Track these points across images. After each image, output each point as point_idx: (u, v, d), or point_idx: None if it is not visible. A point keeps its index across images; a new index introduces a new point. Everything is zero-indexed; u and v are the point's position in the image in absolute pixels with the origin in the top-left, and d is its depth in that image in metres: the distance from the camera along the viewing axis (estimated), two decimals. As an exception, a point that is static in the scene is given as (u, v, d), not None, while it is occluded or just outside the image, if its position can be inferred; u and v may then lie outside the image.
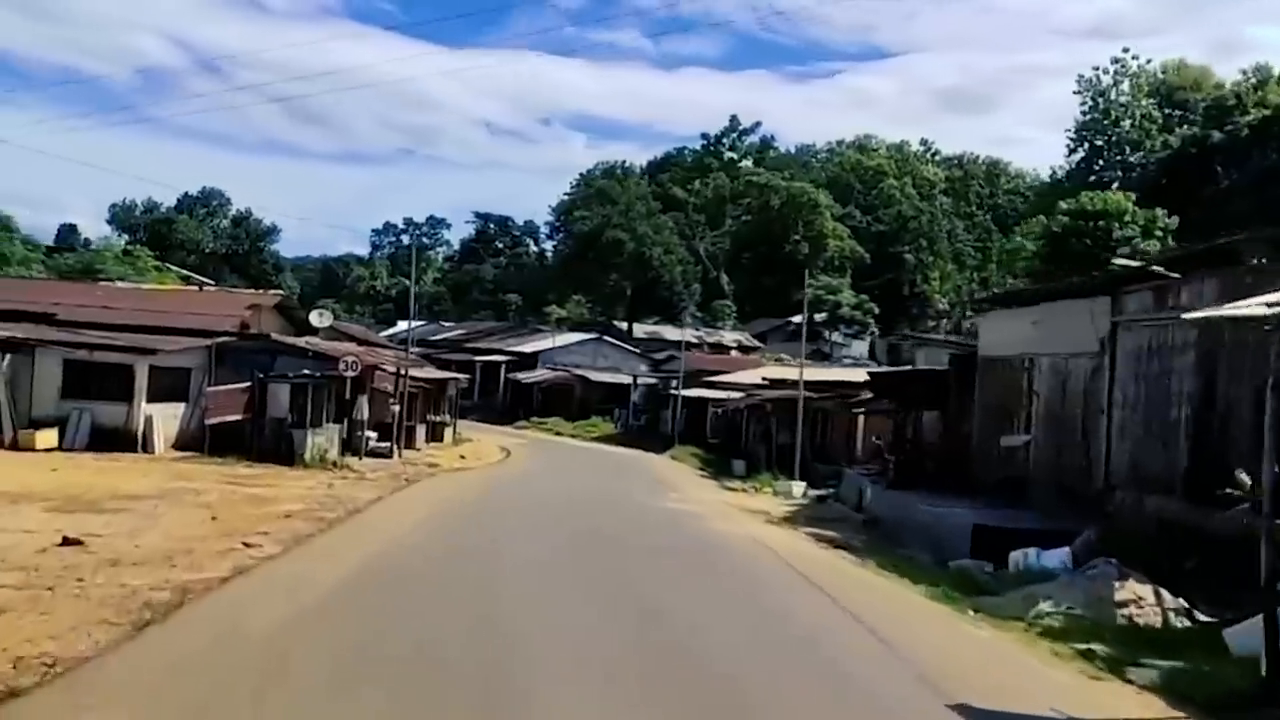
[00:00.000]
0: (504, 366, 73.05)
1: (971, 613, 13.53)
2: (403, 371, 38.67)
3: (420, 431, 43.08)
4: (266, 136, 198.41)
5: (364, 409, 34.55)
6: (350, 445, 33.53)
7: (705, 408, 55.66)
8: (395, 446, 36.56)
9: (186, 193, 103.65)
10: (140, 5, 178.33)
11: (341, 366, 32.10)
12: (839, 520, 25.77)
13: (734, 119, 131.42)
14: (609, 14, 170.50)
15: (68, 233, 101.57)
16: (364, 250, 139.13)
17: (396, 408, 37.22)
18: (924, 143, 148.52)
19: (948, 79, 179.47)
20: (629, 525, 21.48)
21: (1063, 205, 57.20)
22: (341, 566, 13.56)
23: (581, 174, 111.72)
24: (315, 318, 39.50)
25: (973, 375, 24.74)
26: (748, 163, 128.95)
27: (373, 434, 35.37)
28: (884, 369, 37.32)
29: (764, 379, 51.47)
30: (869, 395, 32.39)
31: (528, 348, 76.12)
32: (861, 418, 38.70)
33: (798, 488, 34.03)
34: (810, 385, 38.46)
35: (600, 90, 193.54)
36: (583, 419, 65.89)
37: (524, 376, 70.72)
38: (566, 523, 21.20)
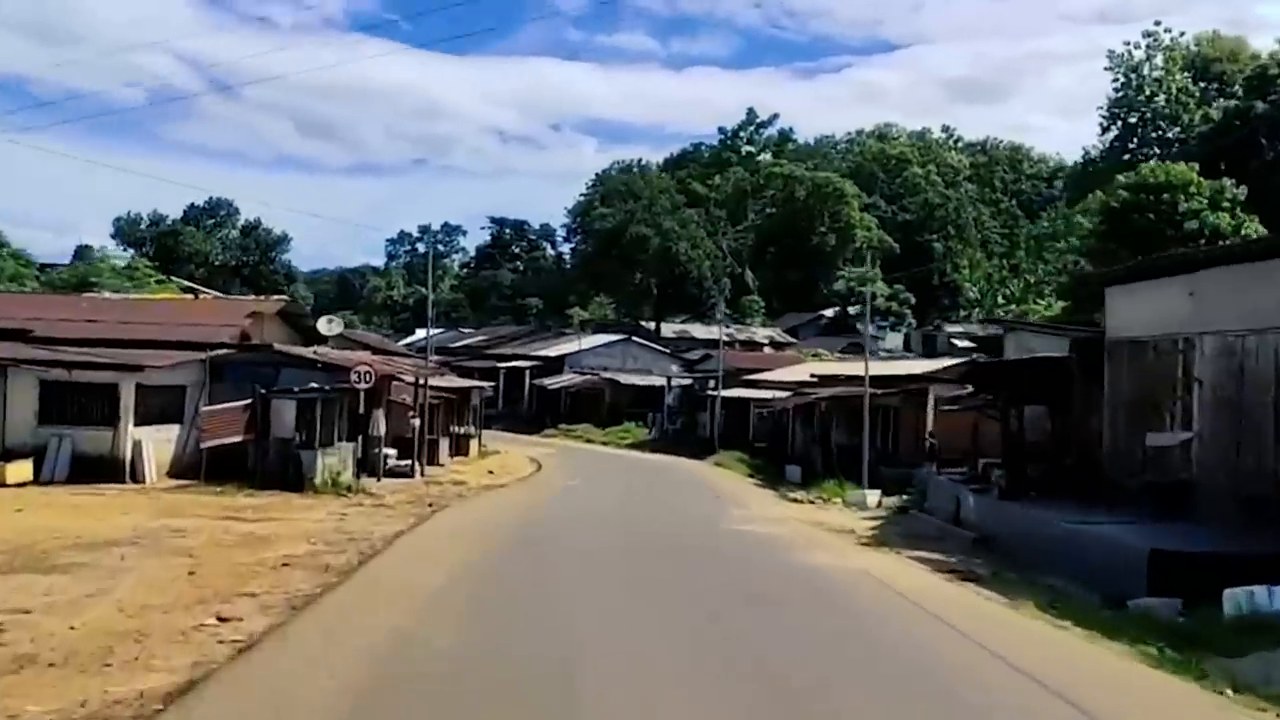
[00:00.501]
0: (528, 372, 69.34)
1: (1229, 692, 9.64)
2: (422, 381, 34.98)
3: (444, 445, 39.43)
4: (278, 151, 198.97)
5: (380, 424, 30.89)
6: (366, 465, 29.87)
7: (747, 409, 51.78)
8: (417, 464, 32.90)
9: (193, 204, 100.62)
10: (149, 25, 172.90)
11: (354, 378, 28.44)
12: (938, 538, 21.91)
13: (751, 112, 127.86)
14: (615, 17, 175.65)
15: (83, 252, 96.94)
16: (380, 261, 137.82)
17: (416, 421, 33.53)
18: (945, 129, 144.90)
19: (957, 69, 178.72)
20: (714, 566, 17.51)
21: (1121, 179, 53.26)
22: (344, 662, 9.67)
23: (598, 174, 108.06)
24: (324, 325, 35.81)
25: (1100, 362, 20.76)
26: (766, 156, 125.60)
27: (391, 451, 31.72)
28: (987, 359, 33.24)
29: (812, 375, 47.55)
30: (968, 390, 28.41)
31: (553, 351, 72.35)
32: (930, 414, 34.80)
33: (871, 497, 30.17)
34: (871, 380, 34.54)
35: (609, 93, 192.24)
36: (614, 424, 62.14)
37: (550, 382, 67.00)
38: (637, 563, 17.35)
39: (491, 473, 38.36)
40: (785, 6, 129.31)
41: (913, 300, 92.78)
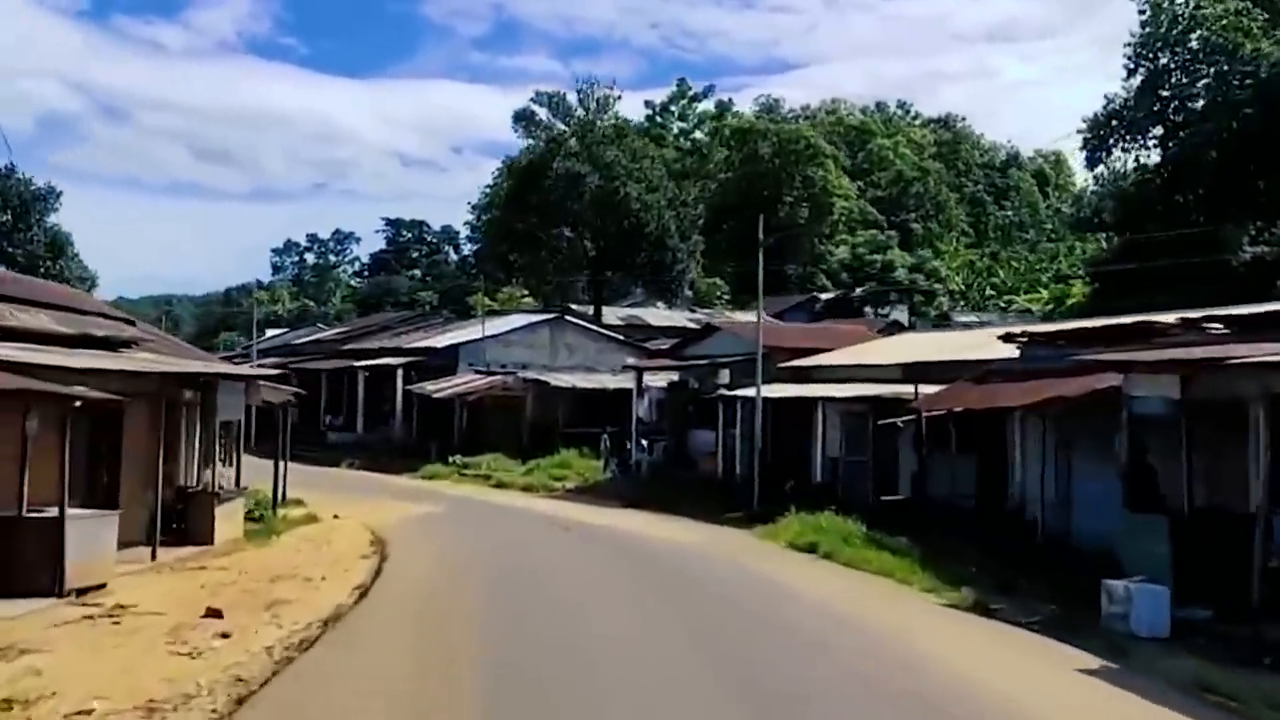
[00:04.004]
0: (402, 373, 43.79)
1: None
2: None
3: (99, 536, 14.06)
4: (173, 177, 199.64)
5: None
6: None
7: (804, 420, 27.13)
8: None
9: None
10: (34, 49, 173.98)
11: None
12: None
13: (682, 81, 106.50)
14: (516, 39, 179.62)
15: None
16: (266, 275, 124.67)
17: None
18: (901, 104, 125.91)
19: (853, 87, 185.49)
20: None
21: None
22: None
23: (506, 159, 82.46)
24: None
25: None
26: (701, 134, 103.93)
27: None
28: None
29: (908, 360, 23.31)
30: None
31: (441, 341, 47.01)
32: None
33: None
34: None
35: (511, 116, 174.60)
36: (542, 453, 37.25)
37: (437, 388, 41.61)
38: None
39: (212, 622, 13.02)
40: (682, 27, 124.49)
41: (943, 272, 69.91)
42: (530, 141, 56.32)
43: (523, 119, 56.70)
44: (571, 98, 56.67)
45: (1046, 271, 79.04)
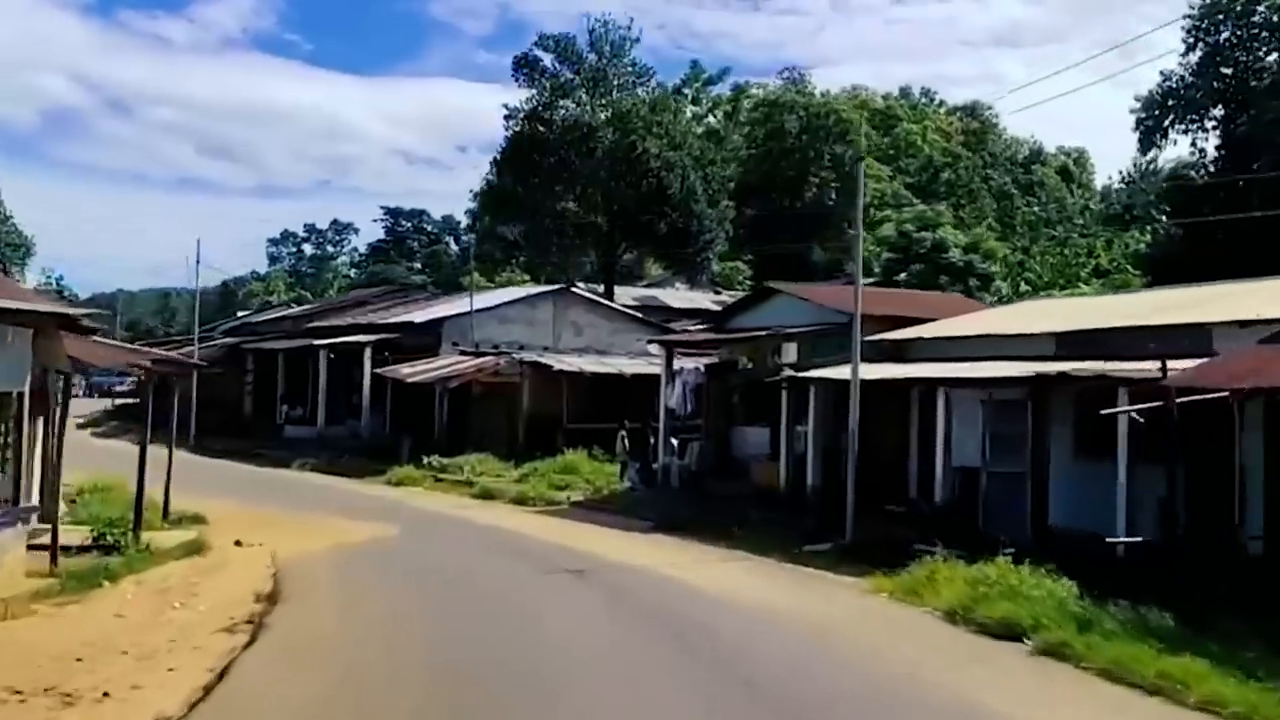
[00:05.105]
0: (369, 353, 35.56)
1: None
2: None
3: None
4: (178, 173, 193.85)
5: None
6: None
7: (909, 412, 19.02)
8: None
9: None
10: (40, 43, 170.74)
11: None
12: None
13: (695, 65, 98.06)
14: (523, 39, 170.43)
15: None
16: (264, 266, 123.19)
17: None
18: (925, 91, 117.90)
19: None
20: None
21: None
22: None
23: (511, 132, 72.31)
24: None
25: None
26: (715, 119, 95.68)
27: None
28: None
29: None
30: None
31: (419, 315, 38.83)
32: None
33: None
34: None
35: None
36: (540, 453, 29.08)
37: (413, 371, 33.42)
38: None
39: None
40: (689, 28, 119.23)
41: (1005, 252, 61.75)
42: (533, 92, 48.11)
43: (525, 66, 48.56)
44: (583, 41, 48.61)
45: (1084, 266, 72.64)
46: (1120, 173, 77.14)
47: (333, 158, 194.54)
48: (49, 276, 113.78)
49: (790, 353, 22.55)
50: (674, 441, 26.39)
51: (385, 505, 24.14)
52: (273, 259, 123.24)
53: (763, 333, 22.98)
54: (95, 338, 15.57)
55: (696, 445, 26.14)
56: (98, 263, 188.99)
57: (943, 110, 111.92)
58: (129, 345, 17.74)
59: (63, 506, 19.55)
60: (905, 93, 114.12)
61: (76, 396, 67.05)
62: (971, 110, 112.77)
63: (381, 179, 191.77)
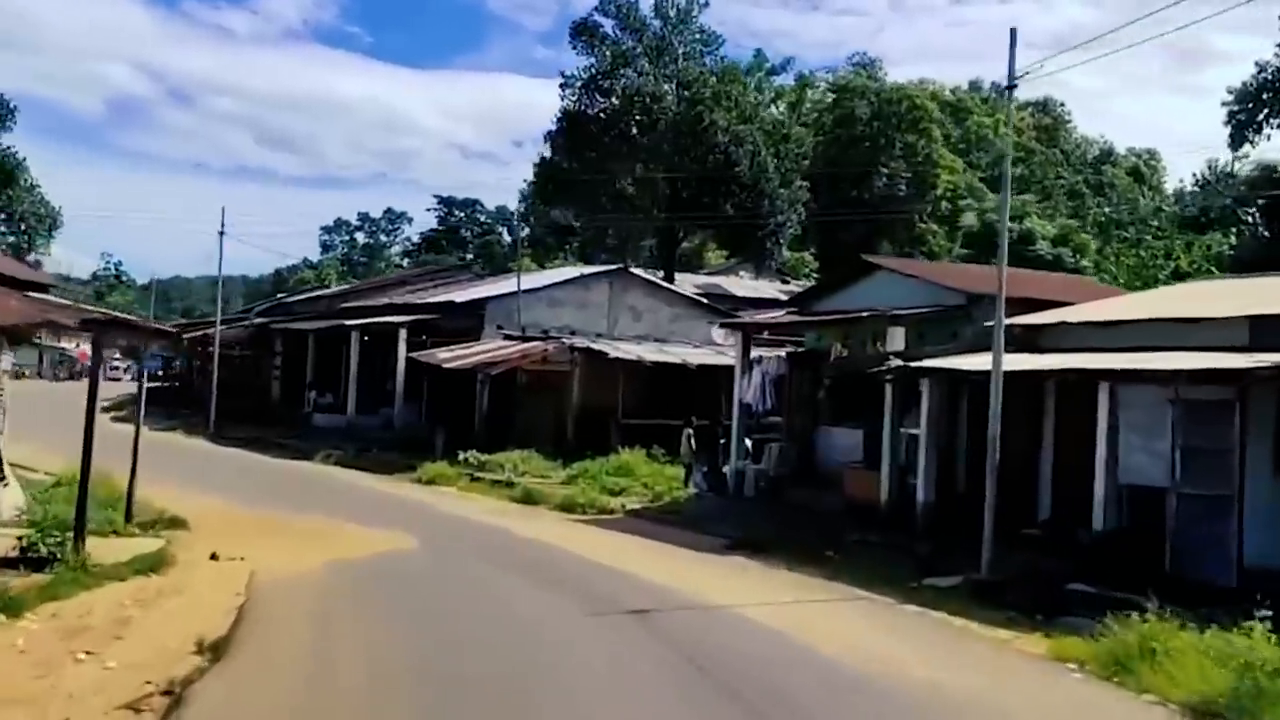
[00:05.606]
0: (404, 334, 32.07)
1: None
2: None
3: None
4: (237, 162, 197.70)
5: None
6: None
7: (1042, 414, 15.09)
8: None
9: None
10: (106, 32, 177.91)
11: None
12: None
13: (758, 53, 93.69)
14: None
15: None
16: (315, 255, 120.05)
17: None
18: (995, 86, 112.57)
19: None
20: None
21: None
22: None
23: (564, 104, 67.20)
24: None
25: None
26: (776, 110, 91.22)
27: None
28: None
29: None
30: None
31: (460, 296, 35.32)
32: None
33: None
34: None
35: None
36: (592, 451, 25.43)
37: (452, 356, 29.87)
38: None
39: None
40: (747, 26, 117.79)
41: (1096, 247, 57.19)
42: (591, 61, 44.35)
43: (583, 33, 44.80)
44: (646, 7, 44.76)
45: (1163, 269, 68.24)
46: (1195, 175, 72.80)
47: (390, 150, 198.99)
48: (108, 262, 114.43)
49: (897, 338, 18.60)
50: (748, 442, 22.54)
51: (409, 508, 20.55)
52: (325, 247, 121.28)
53: (865, 314, 19.00)
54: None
55: (775, 447, 22.22)
56: (156, 250, 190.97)
57: (1014, 105, 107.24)
58: (49, 299, 14.05)
59: (20, 501, 16.32)
60: (975, 86, 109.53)
61: (117, 380, 64.71)
62: (1044, 106, 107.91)
63: (437, 172, 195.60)
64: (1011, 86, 14.30)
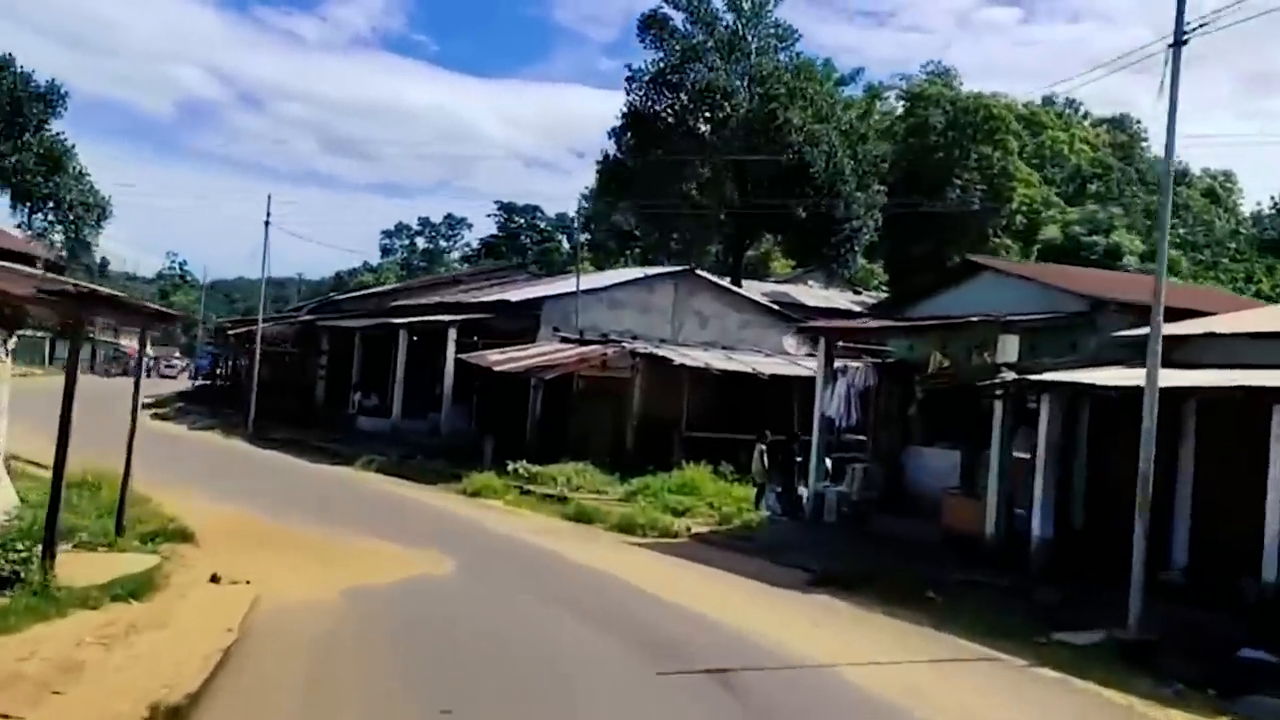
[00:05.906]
0: (453, 334, 30.09)
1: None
2: None
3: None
4: (303, 167, 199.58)
5: None
6: None
7: (1179, 440, 12.60)
8: None
9: None
10: (178, 36, 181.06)
11: None
12: None
13: (827, 62, 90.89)
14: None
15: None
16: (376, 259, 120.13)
17: None
18: (1069, 102, 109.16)
19: None
20: None
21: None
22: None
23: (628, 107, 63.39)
24: None
25: None
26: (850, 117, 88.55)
27: None
28: None
29: None
30: None
31: (515, 295, 33.33)
32: None
33: None
34: None
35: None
36: (653, 466, 23.18)
37: (503, 358, 27.77)
38: None
39: None
40: (813, 41, 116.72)
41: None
42: (659, 55, 42.21)
43: (652, 26, 42.76)
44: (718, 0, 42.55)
45: (1244, 292, 65.21)
46: (1272, 198, 69.46)
47: (453, 158, 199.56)
48: (173, 261, 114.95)
49: (1009, 348, 16.11)
50: (828, 462, 20.17)
51: (450, 524, 18.48)
52: (385, 251, 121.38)
53: (975, 319, 16.55)
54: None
55: (859, 468, 19.79)
56: (221, 250, 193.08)
57: (1087, 121, 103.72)
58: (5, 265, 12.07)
59: (12, 504, 14.51)
60: (1049, 101, 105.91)
61: (171, 378, 63.69)
62: (1119, 123, 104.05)
63: (499, 180, 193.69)
64: (1181, 43, 11.74)
